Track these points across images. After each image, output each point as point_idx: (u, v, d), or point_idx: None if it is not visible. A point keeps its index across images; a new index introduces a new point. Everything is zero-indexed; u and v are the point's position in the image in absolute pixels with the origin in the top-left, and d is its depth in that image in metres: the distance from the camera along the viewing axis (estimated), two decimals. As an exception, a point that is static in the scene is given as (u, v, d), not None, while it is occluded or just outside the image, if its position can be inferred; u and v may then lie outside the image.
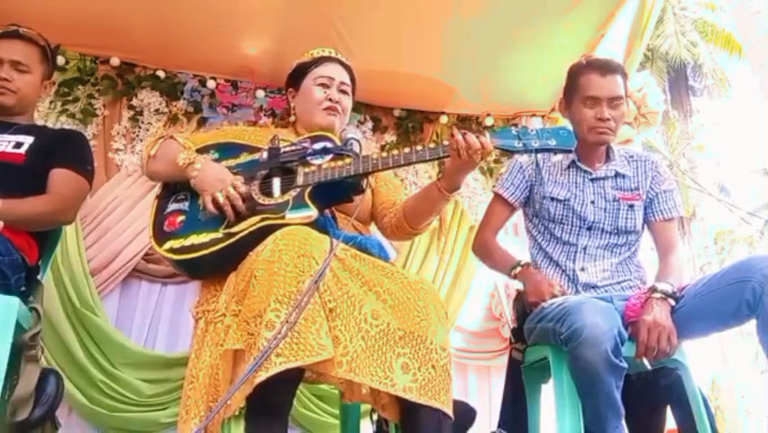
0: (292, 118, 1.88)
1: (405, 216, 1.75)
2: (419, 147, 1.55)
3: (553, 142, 1.51)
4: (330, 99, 1.79)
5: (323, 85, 1.81)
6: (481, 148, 1.49)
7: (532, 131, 1.54)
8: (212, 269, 1.52)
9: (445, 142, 1.53)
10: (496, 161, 3.25)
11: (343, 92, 1.83)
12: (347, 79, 1.85)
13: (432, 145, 1.54)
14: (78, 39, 2.78)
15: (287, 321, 1.21)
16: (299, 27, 2.64)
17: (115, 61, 2.91)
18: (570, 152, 1.58)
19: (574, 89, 1.87)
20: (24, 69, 1.86)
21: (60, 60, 2.77)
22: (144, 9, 2.57)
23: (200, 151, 1.69)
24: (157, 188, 1.73)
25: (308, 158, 1.59)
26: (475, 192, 3.26)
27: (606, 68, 1.84)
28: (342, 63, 1.86)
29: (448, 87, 3.12)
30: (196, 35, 2.75)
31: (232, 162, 1.65)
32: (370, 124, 3.20)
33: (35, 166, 1.77)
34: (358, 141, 1.66)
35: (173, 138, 1.70)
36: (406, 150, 1.55)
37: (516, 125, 3.33)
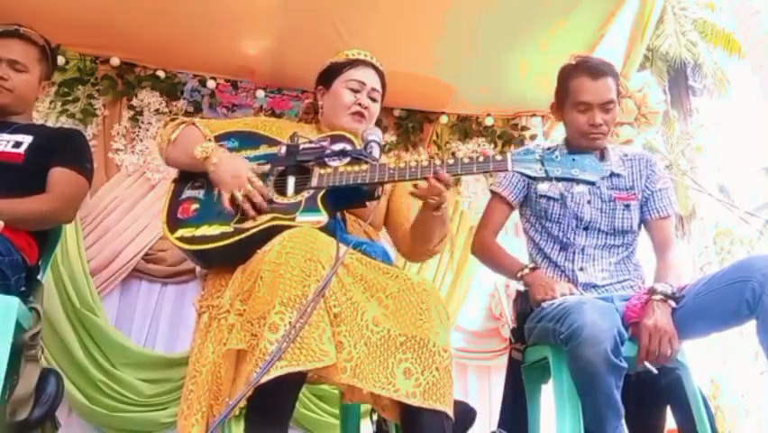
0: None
1: (413, 243, 1.75)
2: (437, 162, 1.51)
3: (576, 172, 1.45)
4: (359, 104, 1.77)
5: (353, 89, 1.79)
6: (445, 184, 1.48)
7: (556, 156, 1.48)
8: (220, 262, 1.53)
9: (465, 160, 1.51)
10: (495, 161, 3.24)
11: (373, 99, 1.81)
12: (378, 86, 1.83)
13: (451, 161, 1.51)
14: (78, 39, 2.78)
15: (293, 327, 1.20)
16: (299, 27, 2.64)
17: (115, 61, 2.91)
18: (593, 184, 1.50)
19: (565, 93, 1.86)
20: (22, 68, 1.86)
21: (60, 60, 2.76)
22: (144, 9, 2.56)
23: (220, 137, 1.68)
24: (174, 173, 1.72)
25: (326, 159, 1.57)
26: (475, 192, 3.26)
27: (596, 71, 1.82)
28: (375, 68, 1.84)
29: (448, 87, 3.12)
30: (196, 35, 2.75)
31: (250, 153, 1.64)
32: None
33: (34, 165, 1.77)
34: (378, 143, 1.64)
35: (195, 125, 1.68)
36: (425, 163, 1.51)
37: (515, 125, 3.37)
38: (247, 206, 1.48)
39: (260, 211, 1.48)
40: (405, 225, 1.80)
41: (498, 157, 1.50)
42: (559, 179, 1.47)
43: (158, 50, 2.87)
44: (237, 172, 1.52)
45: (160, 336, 2.74)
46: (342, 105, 1.77)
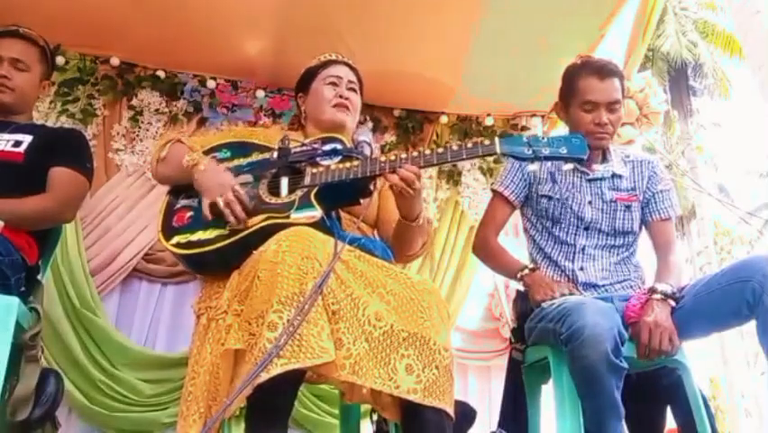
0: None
1: (396, 250, 1.74)
2: (427, 151, 1.53)
3: (564, 151, 1.48)
4: (340, 96, 1.81)
5: (332, 84, 1.83)
6: (414, 176, 1.49)
7: (543, 138, 1.51)
8: (216, 265, 1.52)
9: (454, 147, 1.52)
10: (496, 161, 3.25)
11: (352, 90, 1.86)
12: (354, 79, 1.89)
13: (440, 150, 1.53)
14: (78, 39, 2.78)
15: (291, 324, 1.21)
16: (299, 27, 2.65)
17: (115, 61, 2.91)
18: (581, 161, 1.53)
19: (572, 93, 1.86)
20: (23, 67, 1.87)
21: (60, 60, 2.77)
22: (144, 9, 2.57)
23: (211, 150, 1.69)
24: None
25: (317, 159, 1.59)
26: (475, 192, 3.26)
27: (604, 71, 1.82)
28: (348, 65, 1.90)
29: (448, 87, 3.12)
30: (196, 35, 2.75)
31: (242, 161, 1.65)
32: (370, 125, 3.20)
33: (34, 165, 1.77)
34: (369, 144, 1.66)
35: (181, 141, 1.71)
36: (414, 154, 1.53)
37: (515, 125, 3.37)
38: (227, 212, 1.47)
39: (239, 220, 1.48)
40: (390, 226, 1.80)
41: (487, 142, 1.51)
42: (547, 159, 1.49)
43: (158, 50, 2.88)
44: (222, 181, 1.53)
45: (160, 336, 2.74)
46: (324, 99, 1.81)
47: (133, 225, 2.75)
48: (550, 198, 1.89)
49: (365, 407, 1.89)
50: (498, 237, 1.97)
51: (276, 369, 1.17)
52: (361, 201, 1.59)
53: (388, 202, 1.81)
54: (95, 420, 2.54)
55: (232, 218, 1.47)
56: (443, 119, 3.32)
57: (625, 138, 3.08)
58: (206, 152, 1.68)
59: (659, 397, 1.77)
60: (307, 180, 1.54)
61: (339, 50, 1.96)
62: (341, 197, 1.57)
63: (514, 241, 2.88)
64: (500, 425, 1.93)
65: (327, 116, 1.80)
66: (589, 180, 1.88)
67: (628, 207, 1.86)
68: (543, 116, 3.35)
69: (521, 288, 1.87)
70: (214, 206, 1.49)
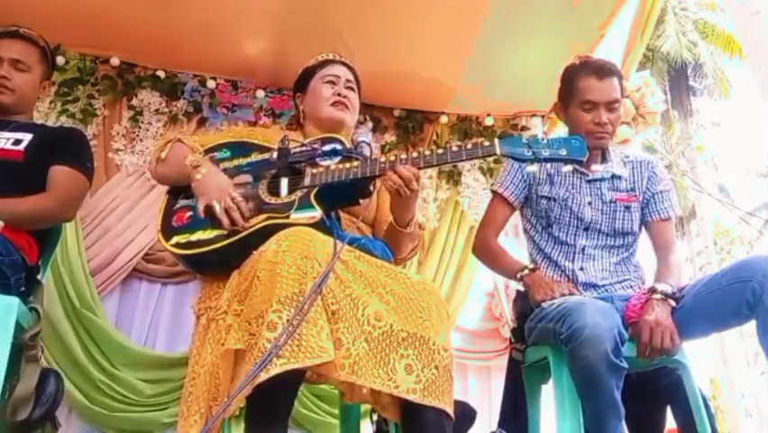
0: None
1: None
2: (427, 152, 1.54)
3: (563, 152, 1.48)
4: (338, 95, 1.82)
5: (330, 82, 1.84)
6: (413, 176, 1.50)
7: (543, 140, 1.51)
8: (216, 265, 1.52)
9: (454, 148, 1.53)
10: (496, 161, 3.25)
11: (350, 88, 1.87)
12: (352, 78, 1.89)
13: (440, 151, 1.54)
14: (78, 39, 2.79)
15: (290, 324, 1.21)
16: (300, 27, 2.65)
17: (115, 61, 2.91)
18: (581, 162, 1.53)
19: (571, 93, 1.86)
20: (24, 68, 1.87)
21: (60, 60, 2.77)
22: (144, 9, 2.57)
23: (211, 149, 1.70)
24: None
25: (317, 159, 1.59)
26: (475, 192, 3.26)
27: (603, 71, 1.83)
28: (345, 64, 1.90)
29: (448, 87, 3.12)
30: (196, 35, 2.75)
31: (242, 161, 1.65)
32: (370, 125, 3.20)
33: (34, 163, 1.77)
34: (369, 144, 1.66)
35: (181, 141, 1.71)
36: (414, 154, 1.54)
37: (515, 125, 3.37)
38: (225, 218, 1.47)
39: (234, 225, 1.47)
40: (384, 224, 1.81)
41: (486, 143, 1.52)
42: (547, 160, 1.49)
43: (158, 50, 2.88)
44: (222, 186, 1.53)
45: (160, 336, 2.74)
46: (323, 98, 1.82)
47: (133, 225, 2.75)
48: (549, 198, 1.89)
49: (365, 407, 1.89)
50: (498, 238, 1.97)
51: (275, 369, 1.17)
52: (361, 201, 1.59)
53: (385, 203, 1.81)
54: (95, 420, 2.54)
55: (227, 223, 1.47)
56: (443, 119, 3.32)
57: (620, 137, 3.09)
58: (206, 152, 1.68)
59: (659, 397, 1.77)
60: (307, 181, 1.54)
61: (339, 50, 1.97)
62: (340, 197, 1.57)
63: (514, 241, 2.88)
64: (500, 425, 1.94)
65: (326, 115, 1.80)
66: (589, 181, 1.88)
67: (628, 207, 1.86)
68: (543, 116, 3.35)
69: (521, 288, 1.87)
70: (209, 208, 1.50)
